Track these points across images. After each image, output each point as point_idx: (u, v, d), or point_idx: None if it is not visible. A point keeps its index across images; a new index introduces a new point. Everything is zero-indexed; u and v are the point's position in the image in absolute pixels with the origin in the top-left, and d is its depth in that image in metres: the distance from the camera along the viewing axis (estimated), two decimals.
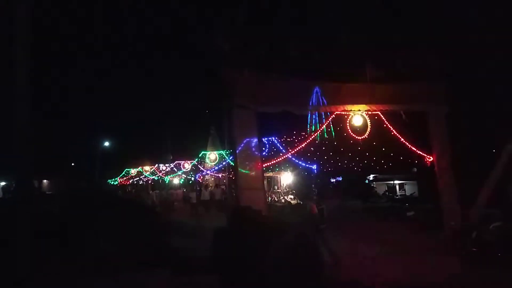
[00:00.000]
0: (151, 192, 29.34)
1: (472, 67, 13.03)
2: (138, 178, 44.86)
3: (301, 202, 23.45)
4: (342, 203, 21.75)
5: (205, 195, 24.42)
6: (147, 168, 42.43)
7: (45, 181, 33.44)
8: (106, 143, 39.06)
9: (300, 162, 19.17)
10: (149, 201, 24.10)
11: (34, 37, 6.12)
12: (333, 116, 13.40)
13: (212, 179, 34.05)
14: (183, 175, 36.68)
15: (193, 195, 23.57)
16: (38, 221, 5.40)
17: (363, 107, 13.50)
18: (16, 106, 5.51)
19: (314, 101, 13.05)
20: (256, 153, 12.51)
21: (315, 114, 13.54)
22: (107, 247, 5.31)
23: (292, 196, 24.05)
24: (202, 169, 32.25)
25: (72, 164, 38.69)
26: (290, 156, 15.11)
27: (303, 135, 14.41)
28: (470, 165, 13.36)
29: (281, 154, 16.39)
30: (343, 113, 13.47)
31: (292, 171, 24.73)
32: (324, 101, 13.02)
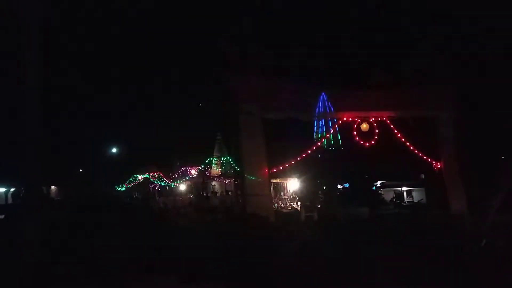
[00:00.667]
0: (157, 198, 29.40)
1: (481, 73, 12.97)
2: (145, 185, 44.96)
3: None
4: (348, 210, 21.57)
5: (214, 201, 24.08)
6: (154, 174, 42.55)
7: (53, 187, 33.63)
8: (114, 150, 39.26)
9: (306, 169, 19.12)
10: (155, 208, 24.08)
11: (43, 43, 6.20)
12: (340, 122, 13.38)
13: (218, 185, 34.05)
14: (189, 181, 36.72)
15: (203, 201, 22.95)
16: (45, 227, 5.43)
17: (370, 113, 13.47)
18: (25, 113, 5.58)
19: (320, 107, 13.05)
20: (263, 159, 12.51)
21: (321, 120, 13.54)
22: (114, 253, 5.32)
23: (299, 203, 23.93)
24: (208, 175, 32.27)
25: (80, 170, 38.89)
26: (297, 163, 15.08)
27: (309, 141, 14.40)
28: (479, 171, 13.21)
29: (288, 161, 16.35)
30: (350, 119, 13.45)
31: (298, 177, 24.64)
32: (331, 107, 13.01)
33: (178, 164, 39.43)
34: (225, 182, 32.35)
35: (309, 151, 13.90)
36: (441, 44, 13.04)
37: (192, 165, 35.39)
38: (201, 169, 32.63)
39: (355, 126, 13.42)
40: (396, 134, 13.55)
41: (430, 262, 10.51)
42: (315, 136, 13.76)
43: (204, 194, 27.91)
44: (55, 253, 5.07)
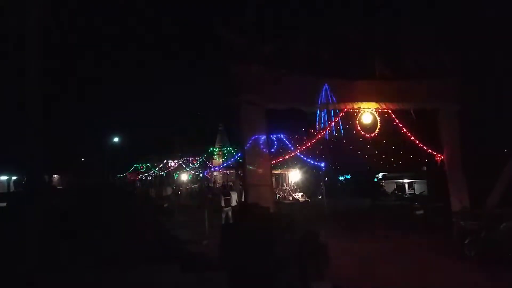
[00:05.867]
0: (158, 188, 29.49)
1: (485, 64, 12.85)
2: (146, 174, 45.23)
3: (309, 200, 23.42)
4: (349, 201, 21.64)
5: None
6: (155, 164, 42.74)
7: (55, 176, 33.81)
8: (116, 139, 39.34)
9: (308, 160, 19.09)
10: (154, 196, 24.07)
11: (45, 33, 6.16)
12: (342, 113, 13.32)
13: (220, 175, 34.21)
14: (191, 171, 36.85)
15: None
16: (47, 216, 5.45)
17: (373, 104, 13.39)
18: (27, 100, 5.56)
19: (323, 98, 12.96)
20: (265, 150, 12.49)
21: (324, 111, 13.47)
22: (116, 242, 5.34)
23: (300, 194, 24.02)
24: (210, 165, 32.39)
25: (82, 159, 39.03)
26: (299, 154, 15.07)
27: (311, 132, 14.35)
28: (481, 164, 13.18)
29: (289, 152, 16.33)
30: (353, 110, 13.38)
31: (300, 168, 24.70)
32: (334, 98, 12.93)
33: (180, 154, 39.53)
34: (226, 172, 32.47)
35: (311, 142, 13.87)
36: (444, 35, 12.90)
37: (194, 155, 35.46)
38: (203, 159, 32.72)
39: (357, 117, 13.36)
40: (398, 125, 13.49)
41: (431, 253, 10.58)
42: (317, 127, 13.69)
43: (206, 185, 27.92)
44: (55, 241, 5.09)
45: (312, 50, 12.59)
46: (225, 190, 16.07)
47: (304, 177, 25.33)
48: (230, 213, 14.24)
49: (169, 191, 27.60)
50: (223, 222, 13.67)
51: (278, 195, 23.04)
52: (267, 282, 5.64)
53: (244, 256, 5.91)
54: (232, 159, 27.46)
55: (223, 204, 14.45)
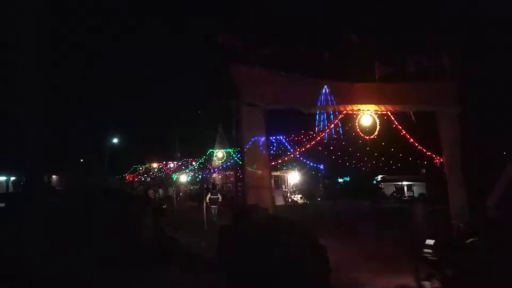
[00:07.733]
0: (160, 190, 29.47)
1: (485, 66, 12.87)
2: (146, 175, 45.14)
3: (307, 202, 23.38)
4: (348, 203, 21.61)
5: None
6: (154, 165, 42.68)
7: (54, 176, 33.73)
8: (115, 140, 39.26)
9: (308, 162, 19.08)
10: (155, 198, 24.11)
11: (43, 32, 6.15)
12: (342, 115, 13.32)
13: (219, 177, 34.18)
14: (190, 172, 36.80)
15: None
16: (46, 216, 5.44)
17: (372, 106, 13.40)
18: (27, 100, 5.55)
19: (322, 100, 12.97)
20: (264, 151, 12.47)
21: (323, 113, 13.48)
22: (115, 243, 5.33)
23: (299, 196, 24.00)
24: (209, 166, 32.34)
25: (81, 160, 38.96)
26: (298, 155, 15.06)
27: (311, 134, 14.36)
28: (481, 166, 13.18)
29: (288, 153, 16.32)
30: (352, 112, 13.38)
31: (299, 170, 24.69)
32: (333, 100, 12.94)
33: (179, 155, 39.51)
34: (225, 174, 32.44)
35: (310, 144, 13.87)
36: (445, 37, 12.94)
37: (193, 156, 35.43)
38: (202, 161, 32.68)
39: (357, 119, 13.36)
40: (398, 128, 13.50)
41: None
42: (316, 129, 13.70)
43: (205, 186, 27.83)
44: (54, 242, 5.08)
45: (312, 52, 12.61)
46: (214, 189, 17.50)
47: (303, 179, 25.32)
48: (216, 211, 14.82)
49: (169, 192, 27.62)
50: (210, 219, 14.06)
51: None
52: (266, 284, 5.63)
53: (243, 258, 5.90)
54: (231, 160, 27.46)
55: (207, 201, 14.89)
